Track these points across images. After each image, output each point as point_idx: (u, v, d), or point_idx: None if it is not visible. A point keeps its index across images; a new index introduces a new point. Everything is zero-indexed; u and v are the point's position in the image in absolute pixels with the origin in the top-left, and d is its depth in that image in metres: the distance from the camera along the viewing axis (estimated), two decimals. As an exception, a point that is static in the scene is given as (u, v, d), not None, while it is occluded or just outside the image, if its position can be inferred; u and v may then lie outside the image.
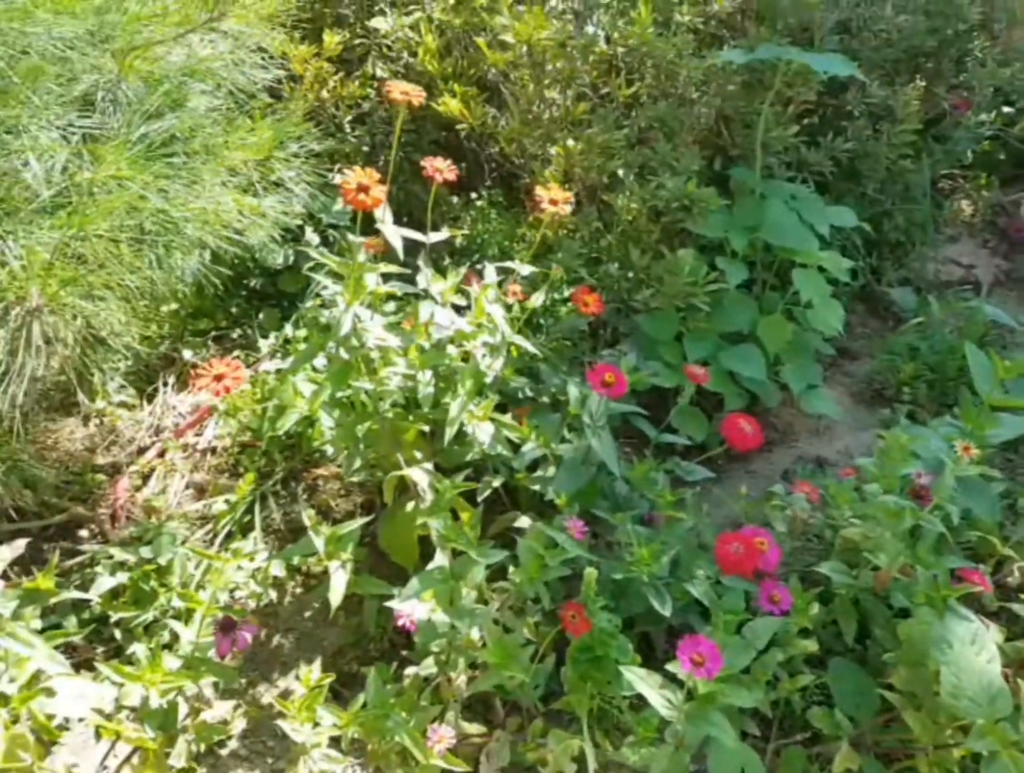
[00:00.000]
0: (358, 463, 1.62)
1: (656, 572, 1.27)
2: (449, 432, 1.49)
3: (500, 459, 1.67)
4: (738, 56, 1.82)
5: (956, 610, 1.24)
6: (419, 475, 1.46)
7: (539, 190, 1.45)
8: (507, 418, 1.64)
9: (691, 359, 1.88)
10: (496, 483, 1.67)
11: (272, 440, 1.87)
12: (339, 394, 1.52)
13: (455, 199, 2.47)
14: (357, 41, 2.42)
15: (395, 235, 1.39)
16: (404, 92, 1.24)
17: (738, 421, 1.41)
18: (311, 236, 2.28)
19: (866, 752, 1.37)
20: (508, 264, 1.55)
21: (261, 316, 2.29)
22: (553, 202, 1.44)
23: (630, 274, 2.01)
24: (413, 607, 1.32)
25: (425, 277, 1.61)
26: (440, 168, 1.50)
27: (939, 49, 2.55)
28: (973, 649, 1.19)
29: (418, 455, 1.65)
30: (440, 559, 1.26)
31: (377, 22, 2.29)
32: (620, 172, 2.03)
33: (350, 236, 2.42)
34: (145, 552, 1.61)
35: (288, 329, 2.13)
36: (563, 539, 1.25)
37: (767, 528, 1.45)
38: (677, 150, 1.96)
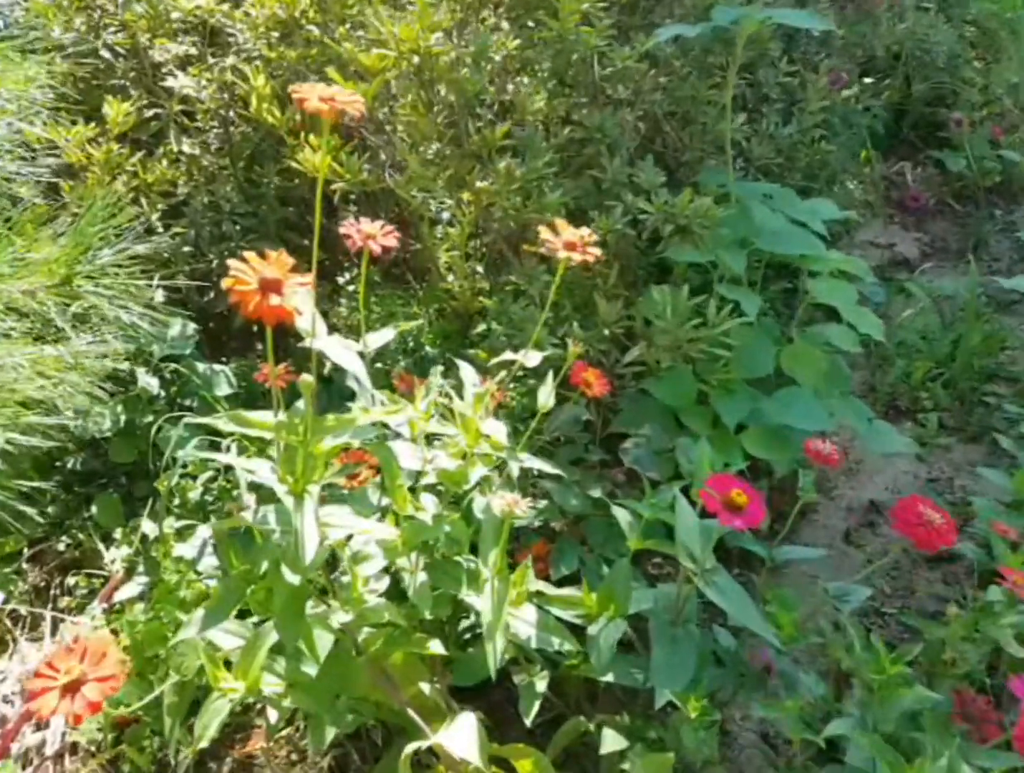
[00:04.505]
0: (331, 733, 0.98)
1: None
2: (491, 651, 0.89)
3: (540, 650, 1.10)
4: (688, 29, 1.40)
5: None
6: (461, 745, 0.86)
7: (544, 232, 0.91)
8: (548, 587, 1.07)
9: (730, 424, 1.40)
10: (542, 686, 1.08)
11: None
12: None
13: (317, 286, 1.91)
14: (149, 112, 1.80)
15: (343, 352, 0.80)
16: (327, 98, 0.68)
17: (917, 507, 0.93)
18: (147, 380, 1.61)
19: None
20: (515, 355, 0.98)
21: (94, 509, 1.58)
22: (570, 246, 0.90)
23: (605, 332, 1.51)
24: None
25: (373, 403, 1.02)
26: (371, 233, 0.93)
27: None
28: None
29: (424, 688, 1.04)
30: None
31: (175, 81, 1.68)
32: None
33: (201, 367, 1.79)
34: None
35: (145, 525, 1.42)
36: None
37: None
38: (627, 165, 1.50)
